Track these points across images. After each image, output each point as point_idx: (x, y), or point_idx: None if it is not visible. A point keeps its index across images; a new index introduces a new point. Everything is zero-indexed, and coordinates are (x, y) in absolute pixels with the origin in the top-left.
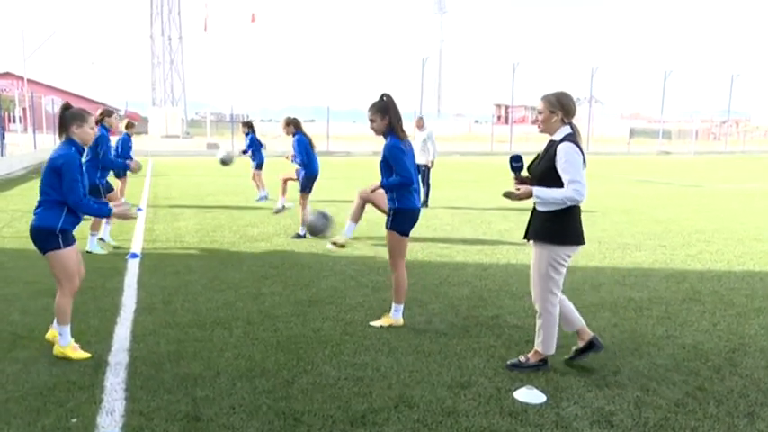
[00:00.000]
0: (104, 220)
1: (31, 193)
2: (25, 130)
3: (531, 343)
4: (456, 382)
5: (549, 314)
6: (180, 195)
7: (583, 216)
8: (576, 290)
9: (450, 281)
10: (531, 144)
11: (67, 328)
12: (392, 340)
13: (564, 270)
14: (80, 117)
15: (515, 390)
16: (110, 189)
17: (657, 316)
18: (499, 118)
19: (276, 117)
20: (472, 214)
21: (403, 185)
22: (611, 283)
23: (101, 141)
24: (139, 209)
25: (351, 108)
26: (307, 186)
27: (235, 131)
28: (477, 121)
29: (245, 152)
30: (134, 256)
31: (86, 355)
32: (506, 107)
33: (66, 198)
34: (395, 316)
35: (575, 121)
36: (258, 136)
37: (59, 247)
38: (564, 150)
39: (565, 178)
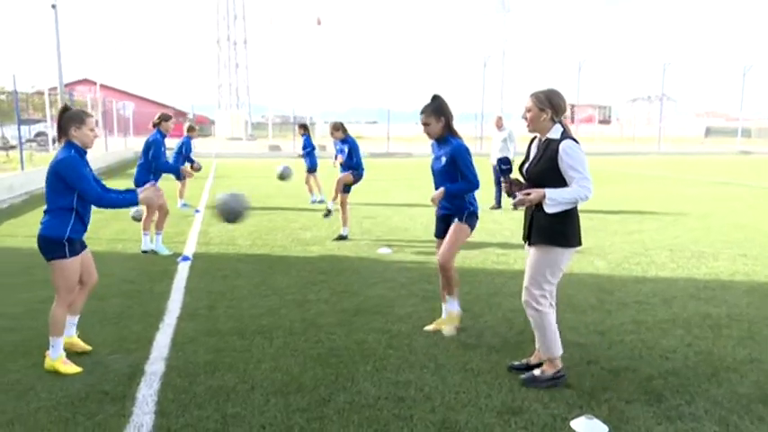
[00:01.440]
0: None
1: None
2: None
3: (594, 364)
4: (506, 408)
5: (539, 313)
6: None
7: (652, 221)
8: (644, 303)
9: (506, 291)
10: (596, 144)
11: (60, 340)
12: (439, 356)
13: (560, 274)
14: (78, 119)
15: (573, 419)
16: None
17: (738, 336)
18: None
19: (339, 119)
20: None
21: (469, 190)
22: (684, 296)
23: (153, 145)
24: (197, 210)
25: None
26: (348, 188)
27: (296, 134)
28: None
29: (301, 155)
30: (185, 258)
31: (76, 369)
32: (572, 106)
33: (85, 197)
34: (454, 307)
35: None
36: (317, 138)
37: (65, 257)
38: (568, 148)
39: (572, 176)
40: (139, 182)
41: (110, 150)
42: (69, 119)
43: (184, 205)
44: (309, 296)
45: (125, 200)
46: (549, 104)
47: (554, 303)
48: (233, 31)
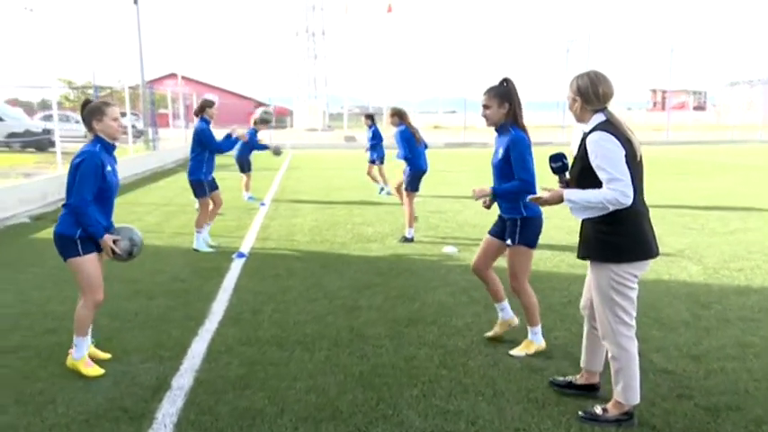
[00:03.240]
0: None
1: (174, 186)
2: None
3: (686, 399)
4: None
5: (623, 351)
6: (307, 189)
7: (758, 218)
8: (749, 320)
9: None
10: (690, 132)
11: (84, 341)
12: (498, 380)
13: (633, 293)
14: (98, 111)
15: None
16: (214, 187)
17: None
18: (655, 104)
19: (416, 109)
20: None
21: (522, 192)
22: None
23: (202, 134)
24: (262, 203)
25: None
26: (412, 184)
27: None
28: (629, 108)
29: (368, 148)
30: (240, 255)
31: (98, 372)
32: (663, 92)
33: (69, 197)
34: (536, 340)
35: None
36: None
37: (79, 254)
38: (594, 142)
39: (602, 176)
40: (193, 176)
41: (189, 143)
42: (90, 112)
43: (251, 198)
44: (361, 301)
45: (93, 227)
46: (578, 91)
47: (631, 335)
48: (311, 21)
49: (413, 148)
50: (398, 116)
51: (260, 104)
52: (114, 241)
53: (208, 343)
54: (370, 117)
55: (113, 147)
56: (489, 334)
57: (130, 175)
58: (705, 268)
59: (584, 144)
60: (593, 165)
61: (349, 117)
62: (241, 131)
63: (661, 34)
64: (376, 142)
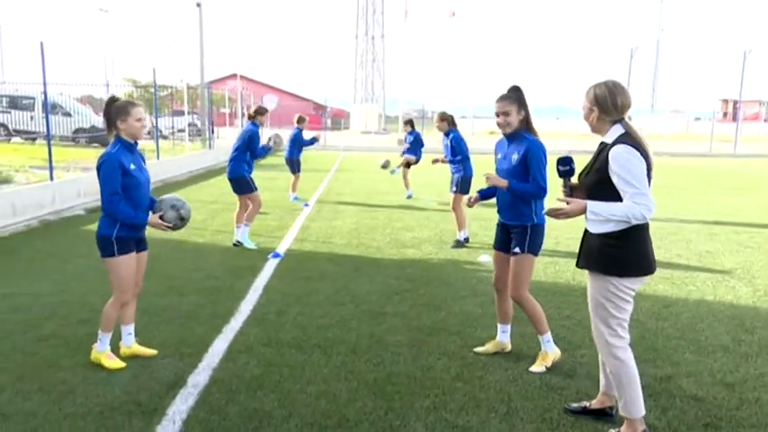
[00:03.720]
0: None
1: (223, 183)
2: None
3: (714, 429)
4: None
5: (620, 362)
6: (352, 191)
7: None
8: None
9: None
10: (763, 145)
11: (107, 336)
12: (514, 396)
13: (629, 306)
14: (123, 110)
15: None
16: (255, 187)
17: None
18: (725, 115)
19: (474, 114)
20: (667, 229)
21: (534, 196)
22: None
23: (252, 136)
24: (306, 204)
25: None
26: (465, 187)
27: (425, 127)
28: (697, 119)
29: (404, 153)
30: (276, 255)
31: (120, 365)
32: (735, 102)
33: (101, 202)
34: (549, 348)
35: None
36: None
37: (114, 255)
38: (619, 156)
39: (626, 191)
40: (236, 173)
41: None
42: (116, 111)
43: (296, 198)
44: (387, 308)
45: (130, 217)
46: (595, 101)
47: (626, 347)
48: (371, 25)
49: (466, 154)
50: (448, 121)
51: (318, 106)
52: (161, 217)
53: (230, 342)
54: (410, 123)
55: (135, 144)
56: (480, 349)
57: (185, 172)
58: (755, 290)
59: (602, 155)
60: (615, 178)
61: (403, 120)
62: (272, 143)
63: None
64: (415, 147)
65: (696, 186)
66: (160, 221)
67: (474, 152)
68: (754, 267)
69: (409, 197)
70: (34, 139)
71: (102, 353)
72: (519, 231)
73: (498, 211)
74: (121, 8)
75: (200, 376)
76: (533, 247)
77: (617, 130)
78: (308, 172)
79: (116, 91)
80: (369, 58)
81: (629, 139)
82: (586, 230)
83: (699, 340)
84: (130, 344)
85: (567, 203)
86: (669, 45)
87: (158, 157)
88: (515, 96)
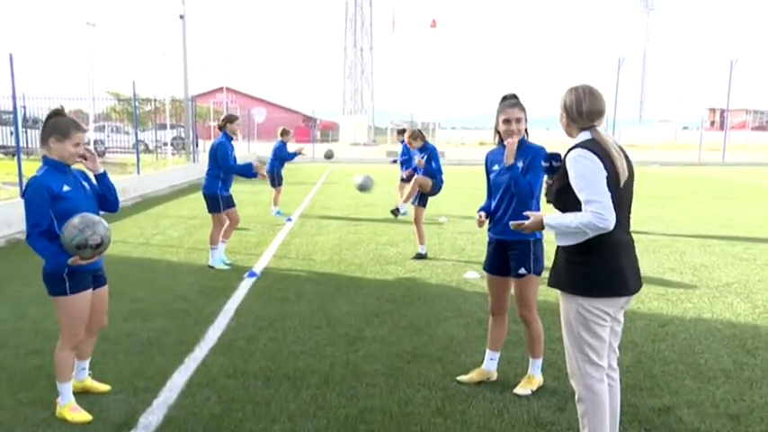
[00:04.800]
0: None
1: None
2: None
3: None
4: None
5: (591, 394)
6: (337, 205)
7: None
8: None
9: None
10: (750, 153)
11: (68, 386)
12: None
13: (603, 332)
14: (64, 130)
15: None
16: (230, 204)
17: None
18: (713, 123)
19: (463, 125)
20: (661, 241)
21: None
22: None
23: (220, 149)
24: (289, 219)
25: (543, 115)
26: (425, 201)
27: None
28: (685, 128)
29: (394, 161)
30: (252, 274)
31: (86, 418)
32: (722, 111)
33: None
34: (537, 374)
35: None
36: (438, 144)
37: (65, 293)
38: (573, 160)
39: (580, 197)
40: (208, 190)
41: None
42: (54, 127)
43: (278, 213)
44: (365, 332)
45: (52, 255)
46: (564, 105)
47: (601, 377)
48: (359, 37)
49: (438, 164)
50: (421, 138)
51: (307, 118)
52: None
53: (191, 374)
54: (403, 133)
55: (64, 166)
56: (463, 378)
57: (166, 186)
58: (754, 307)
59: (564, 162)
60: (572, 184)
61: (393, 132)
62: (263, 170)
63: (721, 50)
64: (408, 158)
65: (687, 196)
66: (80, 262)
67: (464, 163)
68: (751, 281)
69: (404, 214)
70: (14, 154)
71: (64, 406)
72: (521, 249)
73: (491, 229)
74: (109, 22)
75: (153, 416)
76: (538, 266)
77: (583, 137)
78: (295, 185)
79: (99, 105)
80: (357, 70)
81: (593, 144)
82: (558, 247)
83: (698, 364)
84: (82, 378)
85: (528, 218)
86: (656, 55)
87: (138, 172)
88: (521, 104)
